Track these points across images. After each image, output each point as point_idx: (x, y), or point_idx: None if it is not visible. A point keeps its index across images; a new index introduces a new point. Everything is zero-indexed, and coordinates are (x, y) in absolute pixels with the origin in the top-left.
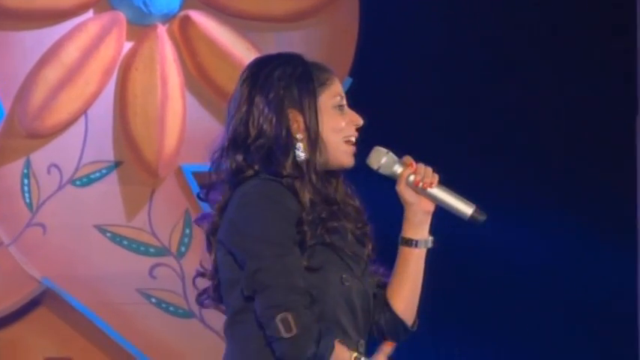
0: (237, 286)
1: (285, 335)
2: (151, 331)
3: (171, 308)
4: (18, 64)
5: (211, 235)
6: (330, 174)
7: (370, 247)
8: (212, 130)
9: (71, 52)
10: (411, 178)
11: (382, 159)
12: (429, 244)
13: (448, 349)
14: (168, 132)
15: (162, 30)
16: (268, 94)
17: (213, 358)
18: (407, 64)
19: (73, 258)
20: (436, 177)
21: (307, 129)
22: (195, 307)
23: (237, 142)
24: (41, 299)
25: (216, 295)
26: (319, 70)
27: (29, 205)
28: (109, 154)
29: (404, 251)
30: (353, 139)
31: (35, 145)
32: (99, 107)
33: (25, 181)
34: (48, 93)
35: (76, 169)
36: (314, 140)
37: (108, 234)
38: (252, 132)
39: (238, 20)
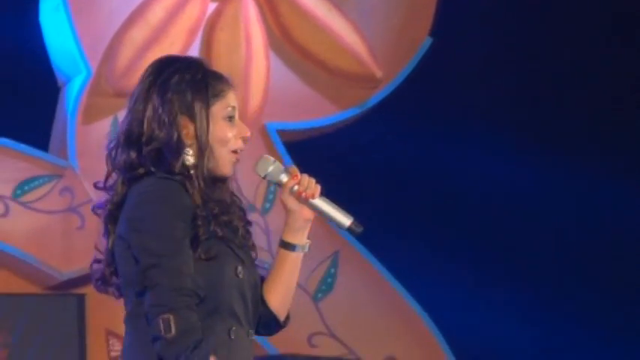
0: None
1: (165, 335)
2: None
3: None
4: (104, 25)
5: (108, 223)
6: (218, 178)
7: (251, 244)
8: (295, 88)
9: (157, 13)
10: (295, 188)
11: (269, 168)
12: (306, 249)
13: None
14: (253, 91)
15: None
16: (164, 97)
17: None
18: (488, 23)
19: None
20: (318, 188)
21: (197, 137)
22: None
23: (131, 139)
24: None
25: (110, 282)
26: (216, 80)
27: None
28: None
29: (282, 253)
30: (239, 150)
31: (122, 104)
32: None
33: None
34: (134, 52)
35: None
36: (203, 148)
37: None
38: (146, 132)
39: None
